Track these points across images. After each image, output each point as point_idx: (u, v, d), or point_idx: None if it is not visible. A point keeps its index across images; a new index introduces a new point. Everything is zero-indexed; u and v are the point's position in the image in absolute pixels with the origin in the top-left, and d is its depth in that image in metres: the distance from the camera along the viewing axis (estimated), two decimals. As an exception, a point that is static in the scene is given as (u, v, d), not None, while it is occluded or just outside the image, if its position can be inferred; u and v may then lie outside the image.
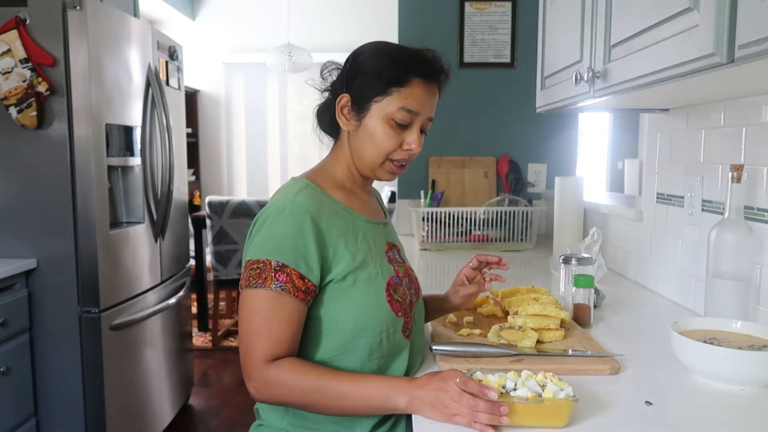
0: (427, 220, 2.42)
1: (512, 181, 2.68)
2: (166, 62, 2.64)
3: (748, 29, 0.74)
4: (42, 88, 1.95)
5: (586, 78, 1.25)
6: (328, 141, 1.14)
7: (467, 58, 2.74)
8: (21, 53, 1.93)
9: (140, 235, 2.38)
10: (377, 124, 1.02)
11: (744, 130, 1.29)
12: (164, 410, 2.64)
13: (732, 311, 1.18)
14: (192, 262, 3.59)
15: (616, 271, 1.96)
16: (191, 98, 5.39)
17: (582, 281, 1.31)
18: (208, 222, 3.74)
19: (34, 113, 1.95)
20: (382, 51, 1.04)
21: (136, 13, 3.00)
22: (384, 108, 1.01)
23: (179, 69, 2.81)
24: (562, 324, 1.24)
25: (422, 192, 2.62)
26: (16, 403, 1.96)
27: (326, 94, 1.10)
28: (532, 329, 1.17)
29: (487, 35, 2.73)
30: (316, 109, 1.13)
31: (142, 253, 2.39)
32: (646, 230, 1.75)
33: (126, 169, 2.37)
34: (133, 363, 2.34)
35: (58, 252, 2.04)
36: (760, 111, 1.23)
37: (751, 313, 1.21)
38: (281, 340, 0.94)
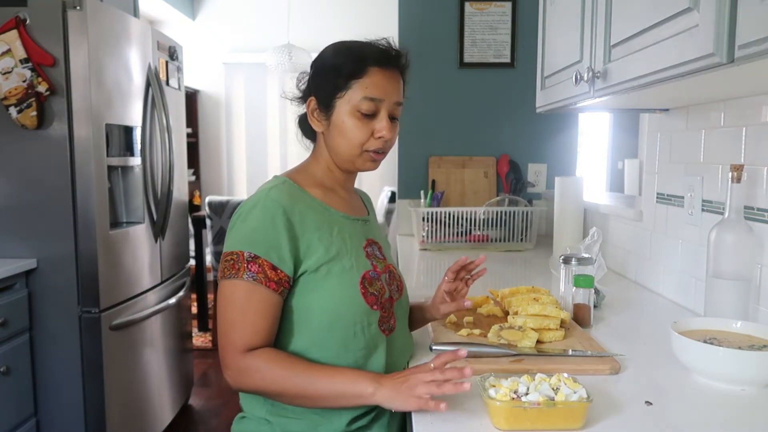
0: (427, 220, 2.42)
1: (512, 181, 2.68)
2: (166, 62, 2.64)
3: (748, 29, 0.74)
4: (42, 88, 1.95)
5: (586, 78, 1.25)
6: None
7: (467, 58, 2.74)
8: (21, 53, 1.93)
9: (140, 235, 2.38)
10: (345, 119, 1.04)
11: (744, 130, 1.29)
12: (164, 410, 2.64)
13: (732, 311, 1.18)
14: (192, 262, 3.59)
15: (616, 271, 1.96)
16: (191, 98, 5.39)
17: (582, 281, 1.32)
18: (208, 222, 3.74)
19: (34, 113, 1.95)
20: (338, 49, 1.08)
21: (136, 13, 2.99)
22: (348, 102, 1.04)
23: (179, 69, 2.81)
24: (562, 324, 1.24)
25: (422, 192, 2.62)
26: (16, 403, 1.96)
27: (300, 102, 1.14)
28: (532, 329, 1.18)
29: (487, 35, 2.73)
30: (298, 118, 1.17)
31: (142, 253, 2.39)
32: (646, 230, 1.75)
33: (126, 169, 2.37)
34: (133, 363, 2.34)
35: (58, 252, 2.04)
36: (760, 111, 1.23)
37: (751, 313, 1.22)
38: (256, 330, 0.97)
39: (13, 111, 1.94)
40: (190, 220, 3.34)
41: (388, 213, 4.07)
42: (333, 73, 1.04)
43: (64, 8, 1.97)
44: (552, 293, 1.40)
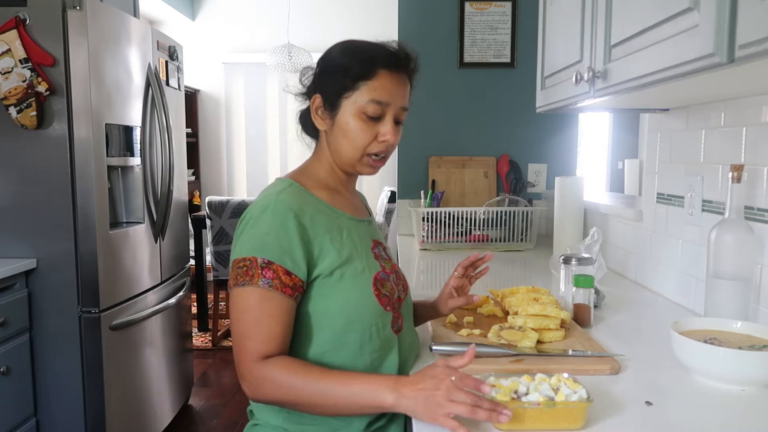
0: (427, 220, 2.42)
1: (512, 181, 2.68)
2: (166, 62, 2.64)
3: (748, 29, 0.73)
4: (42, 88, 1.95)
5: (586, 78, 1.25)
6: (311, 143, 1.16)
7: (467, 58, 2.74)
8: (21, 53, 1.93)
9: (140, 235, 2.38)
10: (350, 120, 1.03)
11: (744, 130, 1.29)
12: (164, 410, 2.64)
13: (732, 311, 1.18)
14: (192, 262, 3.59)
15: (616, 271, 1.96)
16: (191, 98, 5.39)
17: (582, 281, 1.31)
18: (208, 222, 3.74)
19: (34, 113, 1.95)
20: (347, 48, 1.06)
21: (136, 13, 2.99)
22: (354, 103, 1.02)
23: (179, 69, 2.81)
24: (562, 324, 1.24)
25: (422, 192, 2.62)
26: (16, 403, 1.96)
27: (304, 98, 1.12)
28: (532, 329, 1.17)
29: (487, 35, 2.73)
30: (299, 114, 1.15)
31: (142, 253, 2.39)
32: (646, 230, 1.75)
33: (126, 169, 2.37)
34: (133, 363, 2.34)
35: (58, 252, 2.04)
36: (760, 111, 1.23)
37: (751, 313, 1.21)
38: (271, 337, 0.94)
39: (12, 111, 1.94)
40: (190, 220, 3.34)
41: (388, 213, 4.07)
42: (341, 72, 1.03)
43: (64, 8, 1.97)
44: (552, 293, 1.40)
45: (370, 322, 1.01)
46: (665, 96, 1.31)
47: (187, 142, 3.05)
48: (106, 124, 2.11)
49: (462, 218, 2.43)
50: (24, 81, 1.93)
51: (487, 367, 1.03)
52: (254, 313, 0.94)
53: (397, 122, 1.06)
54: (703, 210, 1.44)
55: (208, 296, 4.26)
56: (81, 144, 2.02)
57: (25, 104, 1.94)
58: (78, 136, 2.02)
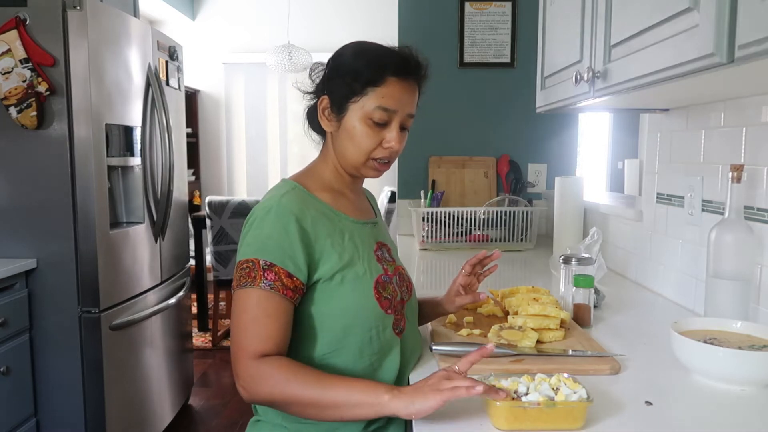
0: (427, 220, 2.42)
1: (512, 181, 2.68)
2: (166, 62, 2.64)
3: (748, 29, 0.73)
4: (42, 88, 1.95)
5: (586, 78, 1.25)
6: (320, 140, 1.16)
7: (467, 58, 2.74)
8: (21, 53, 1.93)
9: (140, 235, 2.38)
10: (356, 124, 1.03)
11: (744, 130, 1.29)
12: (164, 410, 2.64)
13: (732, 311, 1.18)
14: (192, 262, 3.59)
15: (616, 271, 1.96)
16: (191, 98, 5.39)
17: (582, 281, 1.32)
18: (208, 222, 3.74)
19: (34, 113, 1.95)
20: (358, 52, 1.06)
21: (136, 13, 2.99)
22: (361, 108, 1.03)
23: (179, 69, 2.81)
24: (562, 324, 1.24)
25: (422, 192, 2.62)
26: (16, 403, 1.96)
27: (312, 96, 1.12)
28: (532, 329, 1.17)
29: (487, 35, 2.73)
30: (306, 110, 1.15)
31: (142, 253, 2.39)
32: (646, 230, 1.75)
33: (126, 169, 2.37)
34: (133, 363, 2.34)
35: (58, 252, 2.04)
36: (760, 111, 1.23)
37: (751, 313, 1.22)
38: (269, 336, 0.94)
39: (13, 111, 1.94)
40: (190, 220, 3.34)
41: (388, 213, 4.07)
42: (350, 76, 1.03)
43: (64, 8, 1.97)
44: (552, 293, 1.40)
45: (371, 325, 1.01)
46: (665, 96, 1.31)
47: (187, 142, 3.05)
48: (106, 124, 2.11)
49: (462, 218, 2.43)
50: (24, 81, 1.93)
51: (487, 367, 1.03)
52: (253, 313, 0.95)
53: (402, 128, 1.06)
54: (703, 210, 1.44)
55: (208, 296, 4.26)
56: (81, 144, 2.02)
57: (25, 104, 1.94)
58: (78, 136, 2.02)
